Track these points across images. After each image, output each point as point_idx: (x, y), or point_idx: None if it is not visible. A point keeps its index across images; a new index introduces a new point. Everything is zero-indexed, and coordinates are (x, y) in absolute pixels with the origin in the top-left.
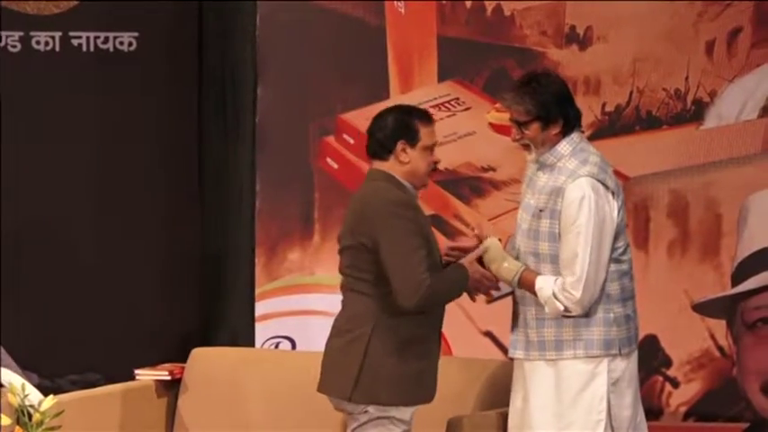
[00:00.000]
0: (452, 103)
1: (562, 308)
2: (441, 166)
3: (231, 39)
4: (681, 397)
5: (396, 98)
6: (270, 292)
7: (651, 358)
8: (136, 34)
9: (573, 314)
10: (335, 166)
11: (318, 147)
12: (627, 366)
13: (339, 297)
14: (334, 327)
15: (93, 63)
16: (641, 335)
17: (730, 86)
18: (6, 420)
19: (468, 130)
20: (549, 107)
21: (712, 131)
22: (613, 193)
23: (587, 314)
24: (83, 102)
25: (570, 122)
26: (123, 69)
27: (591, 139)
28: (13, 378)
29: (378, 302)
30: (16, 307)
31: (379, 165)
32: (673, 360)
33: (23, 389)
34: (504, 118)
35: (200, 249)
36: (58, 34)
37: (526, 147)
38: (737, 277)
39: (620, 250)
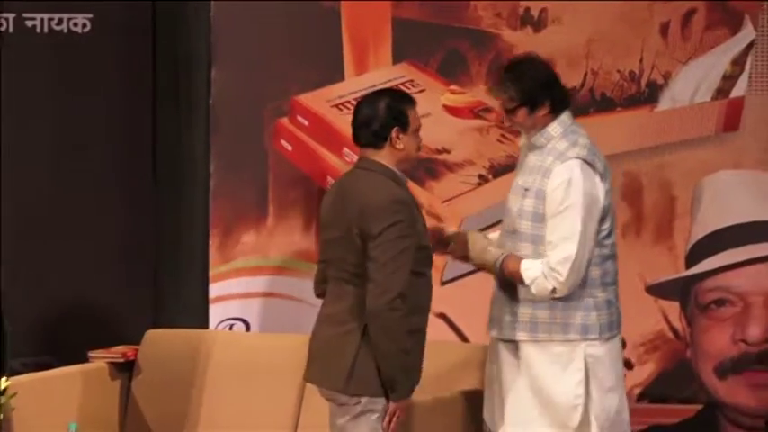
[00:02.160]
0: (407, 84)
1: (550, 287)
2: None
3: (185, 21)
4: (634, 378)
5: (350, 80)
6: (224, 273)
7: None
8: (90, 16)
9: (559, 295)
10: (290, 147)
11: (273, 128)
12: (607, 351)
13: (293, 279)
14: (327, 316)
15: (46, 44)
16: None
17: (684, 68)
18: None
19: (422, 112)
20: (533, 92)
21: (666, 113)
22: (602, 176)
23: (568, 297)
24: (36, 83)
25: (557, 104)
26: (77, 51)
27: None
28: None
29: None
30: None
31: (373, 154)
32: (626, 342)
33: None
34: (458, 100)
35: (155, 231)
36: (11, 15)
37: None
38: (691, 259)
39: (605, 233)
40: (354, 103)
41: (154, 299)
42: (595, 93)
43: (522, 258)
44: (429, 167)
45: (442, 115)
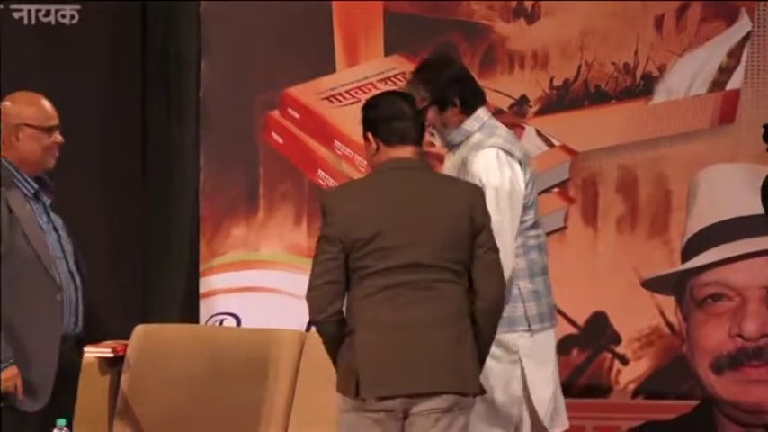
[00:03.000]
0: (399, 77)
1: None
2: None
3: (175, 13)
4: (630, 374)
5: (342, 72)
6: (214, 268)
7: (600, 335)
8: (78, 7)
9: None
10: (281, 140)
11: (263, 121)
12: (538, 344)
13: (284, 274)
14: (432, 321)
15: (34, 36)
16: (589, 312)
17: (679, 61)
18: None
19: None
20: (442, 91)
21: (661, 106)
22: (521, 164)
23: None
24: (23, 75)
25: (467, 102)
26: (65, 43)
27: (539, 113)
28: None
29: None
30: None
31: (413, 152)
32: (622, 337)
33: None
34: None
35: (144, 225)
36: None
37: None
38: (687, 253)
39: (529, 223)
40: (346, 95)
41: (143, 294)
42: (590, 85)
43: None
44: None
45: None
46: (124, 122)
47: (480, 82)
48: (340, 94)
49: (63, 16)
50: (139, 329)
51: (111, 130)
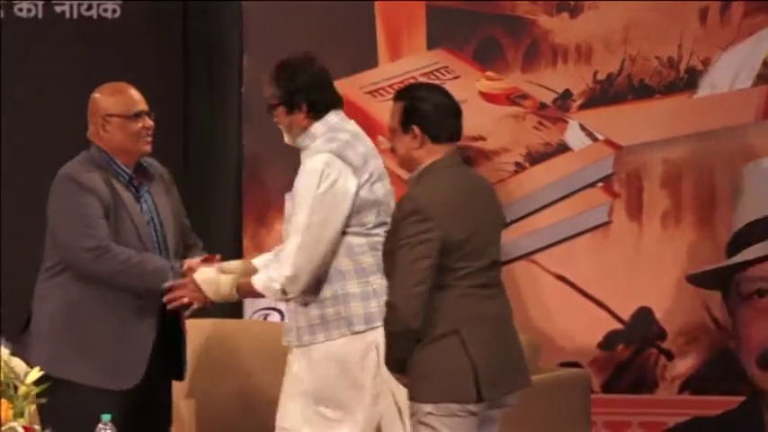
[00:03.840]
0: (441, 71)
1: (278, 287)
2: None
3: (217, 7)
4: (676, 370)
5: (384, 66)
6: None
7: (645, 331)
8: (120, 1)
9: (291, 294)
10: None
11: None
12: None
13: None
14: (506, 317)
15: (76, 30)
16: (634, 307)
17: (724, 54)
18: None
19: (457, 98)
20: (291, 95)
21: (706, 100)
22: (355, 168)
23: (344, 290)
24: (65, 70)
25: (316, 108)
26: (107, 37)
27: (583, 108)
28: None
29: None
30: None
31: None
32: (667, 332)
33: (9, 360)
34: (494, 86)
35: (187, 221)
36: (40, 2)
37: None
38: (733, 248)
39: (372, 224)
40: (389, 89)
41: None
42: (633, 79)
43: (250, 276)
44: (464, 155)
45: (477, 102)
46: (166, 118)
47: (523, 76)
48: (383, 89)
49: (105, 10)
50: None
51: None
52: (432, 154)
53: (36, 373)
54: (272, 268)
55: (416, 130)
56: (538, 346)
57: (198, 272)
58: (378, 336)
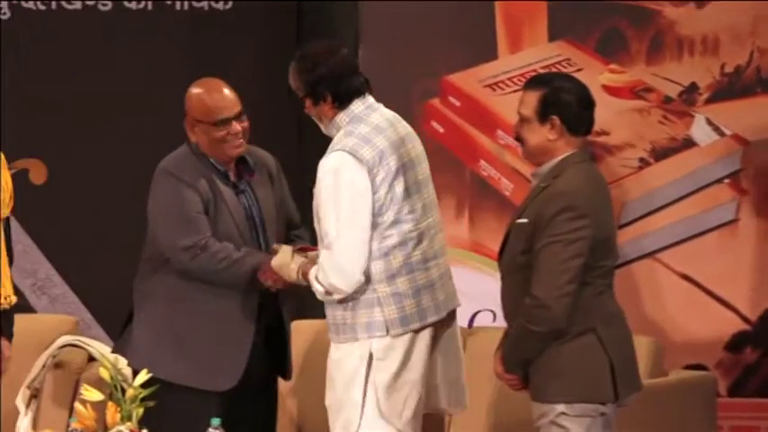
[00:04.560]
0: (563, 63)
1: (321, 290)
2: None
3: (332, 2)
4: None
5: (504, 59)
6: None
7: None
8: None
9: (336, 295)
10: (441, 129)
11: (423, 110)
12: (396, 346)
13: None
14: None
15: (186, 23)
16: (762, 308)
17: None
18: (98, 396)
19: None
20: (315, 85)
21: None
22: (370, 167)
23: (354, 296)
24: (176, 62)
25: (341, 98)
26: (218, 30)
27: (709, 101)
28: (105, 351)
29: None
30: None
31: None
32: None
33: (117, 362)
34: (617, 80)
35: (304, 219)
36: None
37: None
38: None
39: (388, 223)
40: (508, 82)
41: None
42: (762, 72)
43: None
44: (587, 150)
45: (600, 96)
46: (278, 112)
47: (648, 69)
48: (502, 82)
49: (216, 1)
50: (297, 325)
51: (264, 121)
52: (567, 147)
53: (144, 376)
54: (318, 271)
55: (556, 120)
56: (662, 349)
57: (275, 257)
58: (374, 345)
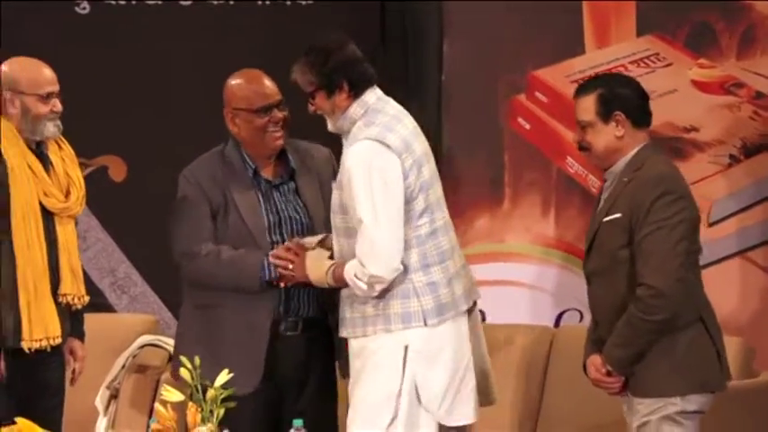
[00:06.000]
0: (652, 58)
1: (365, 286)
2: None
3: None
4: None
5: (592, 54)
6: None
7: None
8: None
9: (380, 287)
10: (527, 126)
11: (508, 106)
12: (435, 337)
13: (531, 267)
14: None
15: (269, 15)
16: None
17: None
18: (178, 396)
19: (668, 87)
20: (329, 75)
21: None
22: (399, 153)
23: (387, 287)
24: (256, 58)
25: (356, 85)
26: (301, 22)
27: None
28: None
29: None
30: None
31: None
32: None
33: (197, 364)
34: (707, 75)
35: None
36: None
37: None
38: None
39: (419, 210)
40: None
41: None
42: None
43: (345, 263)
44: (676, 147)
45: (689, 91)
46: None
47: (738, 64)
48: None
49: None
50: None
51: None
52: (635, 141)
53: (224, 377)
54: (356, 267)
55: (621, 115)
56: (752, 349)
57: (312, 255)
58: (410, 336)
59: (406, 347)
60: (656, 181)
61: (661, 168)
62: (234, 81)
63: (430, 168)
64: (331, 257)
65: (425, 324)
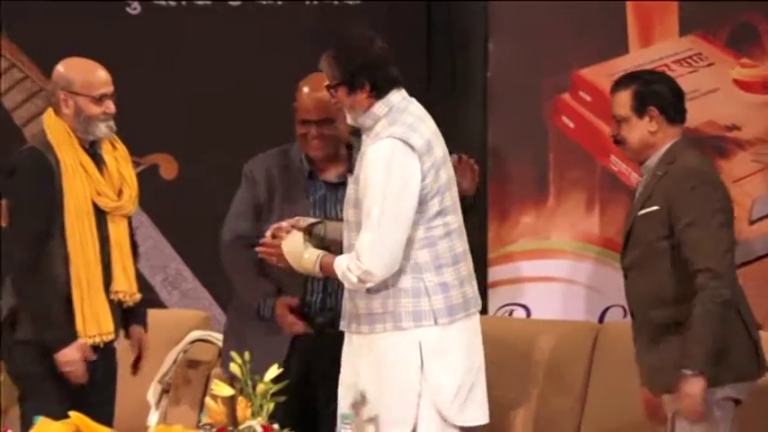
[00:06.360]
0: (694, 58)
1: (355, 279)
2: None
3: None
4: None
5: (635, 53)
6: (502, 257)
7: None
8: None
9: (370, 284)
10: (571, 125)
11: (553, 105)
12: (447, 336)
13: (576, 263)
14: None
15: (317, 17)
16: None
17: None
18: (229, 391)
19: (711, 86)
20: (353, 73)
21: None
22: (421, 154)
23: (395, 284)
24: (305, 58)
25: (379, 87)
26: (348, 23)
27: None
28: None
29: None
30: None
31: None
32: None
33: (248, 358)
34: (750, 74)
35: None
36: None
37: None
38: None
39: (433, 212)
40: None
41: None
42: None
43: (335, 256)
44: (718, 145)
45: (732, 90)
46: None
47: None
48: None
49: None
50: None
51: None
52: (668, 137)
53: (274, 371)
54: (350, 258)
55: (654, 111)
56: None
57: (287, 239)
58: (422, 334)
59: (420, 345)
60: (689, 173)
61: (693, 161)
62: (303, 85)
63: (447, 172)
64: (319, 245)
65: (436, 323)
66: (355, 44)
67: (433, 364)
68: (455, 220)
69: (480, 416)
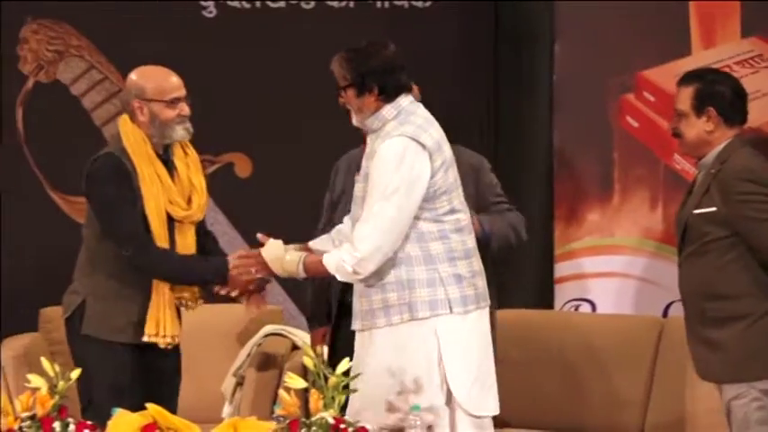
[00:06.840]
0: (755, 59)
1: (350, 269)
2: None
3: None
4: None
5: (698, 54)
6: (568, 253)
7: None
8: None
9: (363, 274)
10: (635, 124)
11: (617, 105)
12: (464, 326)
13: (640, 260)
14: None
15: (387, 20)
16: None
17: None
18: (302, 383)
19: None
20: (363, 77)
21: None
22: (431, 152)
23: (410, 276)
24: None
25: (387, 92)
26: (417, 28)
27: None
28: (309, 340)
29: None
30: None
31: None
32: None
33: (321, 351)
34: None
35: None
36: None
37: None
38: None
39: (444, 210)
40: None
41: (495, 279)
42: None
43: (321, 254)
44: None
45: None
46: (476, 106)
47: None
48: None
49: (416, 0)
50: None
51: (462, 114)
52: (725, 137)
53: (345, 364)
54: (345, 249)
55: (712, 112)
56: None
57: (265, 247)
58: (438, 323)
59: (437, 333)
60: (742, 171)
61: (746, 159)
62: None
63: (454, 174)
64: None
65: (451, 311)
66: (366, 49)
67: (450, 354)
68: (465, 217)
69: (494, 406)
